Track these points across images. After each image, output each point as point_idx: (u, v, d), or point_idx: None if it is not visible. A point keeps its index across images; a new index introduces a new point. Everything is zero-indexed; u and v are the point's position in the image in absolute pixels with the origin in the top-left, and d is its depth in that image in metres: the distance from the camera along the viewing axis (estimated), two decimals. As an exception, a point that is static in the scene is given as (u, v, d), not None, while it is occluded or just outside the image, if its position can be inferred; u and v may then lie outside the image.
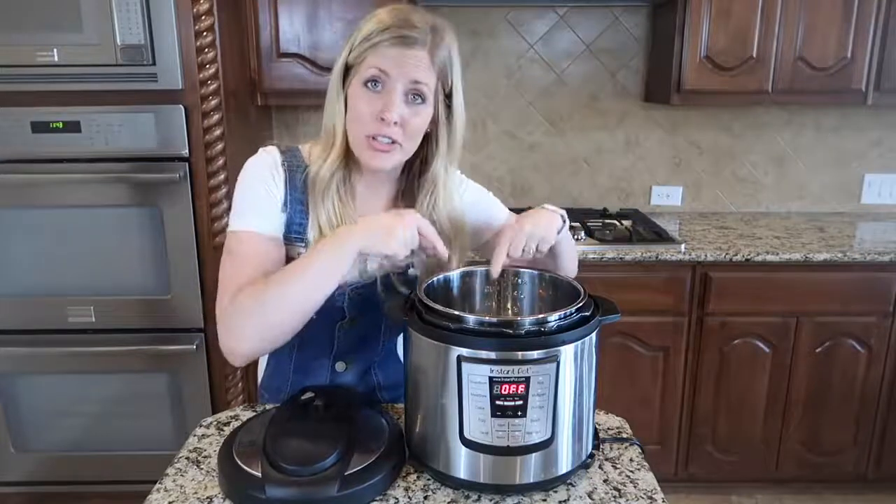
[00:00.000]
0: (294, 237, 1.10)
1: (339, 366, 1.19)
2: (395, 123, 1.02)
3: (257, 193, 1.08)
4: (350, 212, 1.11)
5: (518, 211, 1.21)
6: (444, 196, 1.14)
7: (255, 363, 1.28)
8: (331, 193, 1.08)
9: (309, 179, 1.09)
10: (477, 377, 0.86)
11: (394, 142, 1.04)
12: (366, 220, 1.01)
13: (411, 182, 1.16)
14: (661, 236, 2.30)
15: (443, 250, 1.02)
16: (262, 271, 1.02)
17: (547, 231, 1.08)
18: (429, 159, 1.12)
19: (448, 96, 1.08)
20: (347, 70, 1.06)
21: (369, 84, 1.02)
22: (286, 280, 0.98)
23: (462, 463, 0.91)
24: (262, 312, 0.97)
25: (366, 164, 1.08)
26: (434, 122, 1.08)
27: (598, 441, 1.03)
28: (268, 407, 1.15)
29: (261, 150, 1.13)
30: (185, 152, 1.99)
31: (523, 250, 1.05)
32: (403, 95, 1.02)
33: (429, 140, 1.11)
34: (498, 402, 0.86)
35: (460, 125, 1.11)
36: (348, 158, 1.10)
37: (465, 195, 1.23)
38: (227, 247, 1.07)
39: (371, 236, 0.97)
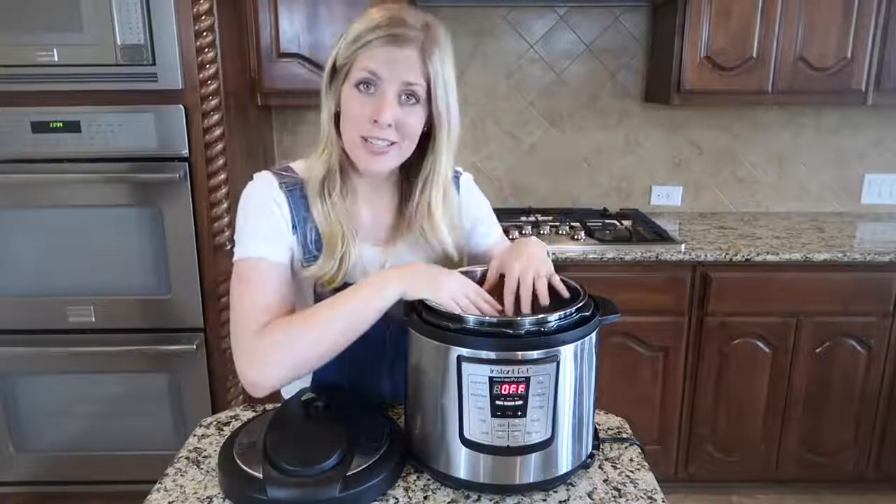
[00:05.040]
0: (314, 256, 1.07)
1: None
2: (389, 126, 1.00)
3: (260, 222, 1.05)
4: (353, 210, 1.09)
5: (518, 211, 1.21)
6: (439, 197, 1.11)
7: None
8: (327, 192, 1.07)
9: (307, 185, 1.08)
10: (477, 377, 0.86)
11: (391, 143, 1.02)
12: (404, 267, 0.99)
13: (411, 181, 1.14)
14: (661, 236, 2.30)
15: (488, 310, 0.95)
16: (281, 297, 1.02)
17: (539, 263, 1.02)
18: (426, 158, 1.10)
19: (444, 95, 1.03)
20: (336, 71, 1.04)
21: (361, 86, 1.00)
22: (322, 319, 0.96)
23: (462, 463, 0.91)
24: (294, 349, 0.96)
25: (363, 168, 1.06)
26: (430, 121, 1.05)
27: (598, 441, 1.03)
28: (268, 407, 1.15)
29: (255, 176, 1.10)
30: (185, 152, 1.99)
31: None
32: (396, 97, 1.00)
33: (427, 139, 1.08)
34: (498, 402, 0.87)
35: (455, 124, 1.07)
36: (344, 158, 1.08)
37: (471, 208, 1.23)
38: (239, 274, 1.04)
39: (416, 282, 0.95)
